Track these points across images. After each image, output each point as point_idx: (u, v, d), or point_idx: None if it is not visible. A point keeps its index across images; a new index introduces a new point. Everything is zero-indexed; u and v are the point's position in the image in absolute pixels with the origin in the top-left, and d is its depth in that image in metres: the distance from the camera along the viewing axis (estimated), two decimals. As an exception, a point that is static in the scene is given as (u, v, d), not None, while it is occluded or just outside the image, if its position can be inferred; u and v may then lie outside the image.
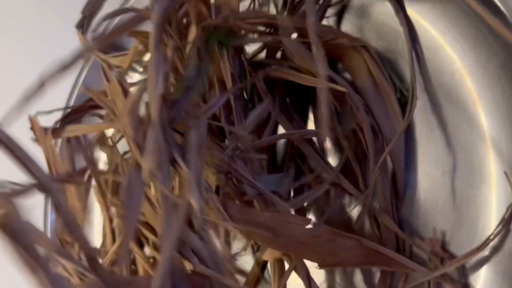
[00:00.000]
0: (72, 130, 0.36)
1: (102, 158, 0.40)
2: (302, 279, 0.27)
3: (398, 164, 0.28)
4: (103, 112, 0.38)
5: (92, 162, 0.37)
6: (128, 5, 0.39)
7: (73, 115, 0.38)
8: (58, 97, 0.41)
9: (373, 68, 0.29)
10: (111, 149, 0.36)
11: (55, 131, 0.36)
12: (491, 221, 0.25)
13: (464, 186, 0.27)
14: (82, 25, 0.37)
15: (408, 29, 0.28)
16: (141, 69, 0.40)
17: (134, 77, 0.41)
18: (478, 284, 0.25)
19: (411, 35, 0.28)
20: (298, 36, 0.30)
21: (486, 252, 0.25)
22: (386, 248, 0.26)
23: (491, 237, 0.24)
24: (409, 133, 0.28)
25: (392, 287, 0.27)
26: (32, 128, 0.36)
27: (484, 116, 0.26)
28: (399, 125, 0.28)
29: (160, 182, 0.22)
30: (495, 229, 0.24)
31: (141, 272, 0.35)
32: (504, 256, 0.25)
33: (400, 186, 0.28)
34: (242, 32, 0.30)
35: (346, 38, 0.29)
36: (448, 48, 0.27)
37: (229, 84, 0.28)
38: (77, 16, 0.37)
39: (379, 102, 0.29)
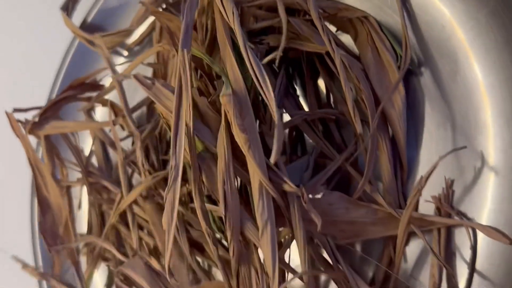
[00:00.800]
0: (57, 126, 0.34)
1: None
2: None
3: (401, 133, 0.28)
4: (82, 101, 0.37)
5: (77, 151, 0.36)
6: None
7: (49, 110, 0.36)
8: (41, 89, 0.39)
9: (375, 38, 0.29)
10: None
11: (34, 126, 0.35)
12: (489, 169, 0.26)
13: (461, 136, 0.27)
14: (67, 7, 0.36)
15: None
16: (126, 53, 0.39)
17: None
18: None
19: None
20: (303, 14, 0.30)
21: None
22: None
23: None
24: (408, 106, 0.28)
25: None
26: (10, 124, 0.34)
27: (477, 66, 0.27)
28: (399, 91, 0.28)
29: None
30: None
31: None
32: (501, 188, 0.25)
33: (403, 155, 0.28)
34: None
35: (348, 11, 0.29)
36: (437, 2, 0.27)
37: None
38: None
39: (381, 72, 0.29)
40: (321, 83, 0.33)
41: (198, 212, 0.27)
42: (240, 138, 0.25)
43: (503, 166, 0.25)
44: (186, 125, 0.26)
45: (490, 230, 0.25)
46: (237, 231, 0.26)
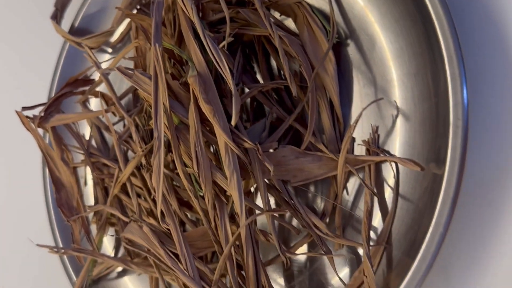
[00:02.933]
0: (60, 119, 0.41)
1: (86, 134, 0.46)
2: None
3: (335, 94, 0.35)
4: (77, 95, 0.44)
5: (79, 137, 0.43)
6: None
7: (52, 105, 0.43)
8: (41, 87, 0.46)
9: (309, 19, 0.36)
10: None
11: (41, 121, 0.42)
12: (401, 116, 0.33)
13: (381, 92, 0.34)
14: (56, 16, 0.42)
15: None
16: (110, 50, 0.46)
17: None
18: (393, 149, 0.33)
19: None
20: (252, 5, 0.37)
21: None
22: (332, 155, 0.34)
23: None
24: (340, 72, 0.35)
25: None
26: (21, 121, 0.41)
27: (386, 36, 0.34)
28: (329, 59, 0.35)
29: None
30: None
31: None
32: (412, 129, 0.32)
33: (338, 110, 0.35)
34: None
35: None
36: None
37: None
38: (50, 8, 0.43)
39: (315, 45, 0.36)
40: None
41: (180, 171, 0.34)
42: (206, 109, 0.32)
43: (409, 112, 0.32)
44: (163, 104, 0.33)
45: (407, 161, 0.32)
46: (209, 182, 0.33)
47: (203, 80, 0.33)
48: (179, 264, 0.34)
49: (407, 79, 0.33)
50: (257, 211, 0.33)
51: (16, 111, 0.41)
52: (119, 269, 0.46)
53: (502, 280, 0.31)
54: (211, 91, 0.33)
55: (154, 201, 0.41)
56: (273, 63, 0.39)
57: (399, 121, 0.33)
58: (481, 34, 0.32)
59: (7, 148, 0.55)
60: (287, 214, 0.38)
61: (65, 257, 0.45)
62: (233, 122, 0.31)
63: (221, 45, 0.34)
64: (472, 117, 0.31)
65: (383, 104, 0.34)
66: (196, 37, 0.34)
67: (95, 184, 0.44)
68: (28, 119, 0.41)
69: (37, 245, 0.40)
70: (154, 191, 0.39)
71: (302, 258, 0.37)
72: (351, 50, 0.35)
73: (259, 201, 0.35)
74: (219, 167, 0.33)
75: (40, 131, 0.43)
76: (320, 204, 0.36)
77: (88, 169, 0.46)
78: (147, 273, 0.41)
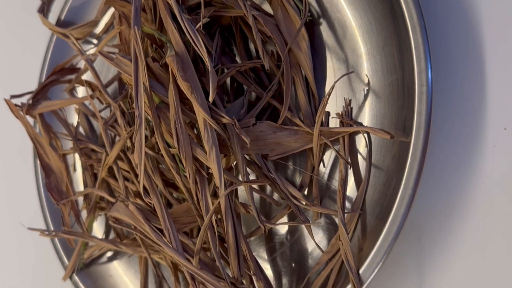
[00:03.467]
0: (47, 105, 0.43)
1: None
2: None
3: (309, 70, 0.36)
4: (64, 83, 0.46)
5: (67, 124, 0.44)
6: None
7: (39, 93, 0.45)
8: (31, 74, 0.48)
9: (283, 0, 0.37)
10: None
11: (29, 108, 0.43)
12: (370, 89, 0.34)
13: (351, 67, 0.35)
14: (43, 10, 0.44)
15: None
16: (95, 41, 0.47)
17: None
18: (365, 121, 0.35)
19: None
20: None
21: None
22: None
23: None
24: (314, 50, 0.37)
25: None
26: (10, 109, 0.42)
27: (353, 13, 0.35)
28: (302, 36, 0.36)
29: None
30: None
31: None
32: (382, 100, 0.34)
33: (313, 86, 0.36)
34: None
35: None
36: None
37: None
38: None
39: (289, 24, 0.37)
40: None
41: (161, 148, 0.35)
42: (184, 86, 0.34)
43: (378, 84, 0.34)
44: (144, 83, 0.34)
45: (377, 131, 0.33)
46: (190, 157, 0.34)
47: (181, 60, 0.35)
48: (163, 237, 0.35)
49: (376, 52, 0.34)
50: (236, 183, 0.35)
51: (5, 99, 0.42)
52: (109, 254, 0.47)
53: (470, 235, 0.32)
54: (189, 70, 0.34)
55: (141, 183, 0.43)
56: (252, 46, 0.41)
57: (370, 93, 0.34)
58: (443, 4, 0.34)
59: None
60: (268, 189, 0.39)
61: (56, 241, 0.47)
62: (210, 98, 0.33)
63: (197, 25, 0.35)
64: (437, 84, 0.32)
65: (355, 78, 0.35)
66: (174, 20, 0.36)
67: (84, 170, 0.45)
68: (17, 107, 0.42)
69: (29, 228, 0.42)
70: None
71: (283, 230, 0.38)
72: (324, 28, 0.37)
73: (240, 178, 0.36)
74: (200, 144, 0.35)
75: (30, 119, 0.44)
76: (298, 178, 0.38)
77: (77, 157, 0.47)
78: (136, 253, 0.43)
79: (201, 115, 0.34)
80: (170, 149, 0.36)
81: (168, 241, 0.34)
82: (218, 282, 0.33)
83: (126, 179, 0.44)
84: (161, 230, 0.36)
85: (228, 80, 0.41)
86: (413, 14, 0.31)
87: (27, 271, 0.53)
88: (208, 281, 0.33)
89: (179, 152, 0.34)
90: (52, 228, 0.48)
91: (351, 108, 0.35)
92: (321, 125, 0.35)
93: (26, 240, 0.51)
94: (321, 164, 0.36)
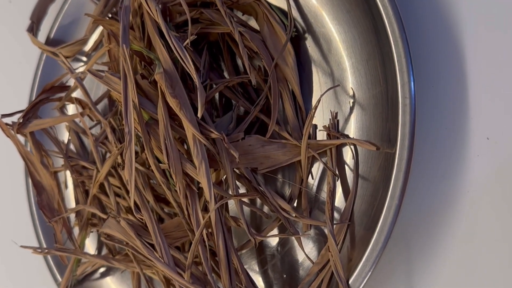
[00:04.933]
0: (37, 124, 0.43)
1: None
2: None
3: (295, 84, 0.37)
4: (54, 101, 0.46)
5: (58, 142, 0.45)
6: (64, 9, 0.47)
7: (29, 112, 0.45)
8: (22, 92, 0.48)
9: (268, 16, 0.38)
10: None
11: (19, 127, 0.44)
12: (356, 103, 0.35)
13: (337, 81, 0.36)
14: (32, 29, 0.44)
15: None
16: (85, 59, 0.48)
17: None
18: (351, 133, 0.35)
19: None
20: (214, 6, 0.39)
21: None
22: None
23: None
24: (300, 64, 0.38)
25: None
26: (1, 128, 0.43)
27: (337, 28, 0.36)
28: (288, 51, 0.37)
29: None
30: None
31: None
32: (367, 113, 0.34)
33: (300, 100, 0.37)
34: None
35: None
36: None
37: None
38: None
39: (275, 39, 0.38)
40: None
41: (151, 164, 0.36)
42: (172, 103, 0.34)
43: (363, 97, 0.34)
44: (133, 100, 0.35)
45: (364, 142, 0.34)
46: (180, 172, 0.34)
47: (169, 76, 0.35)
48: (154, 252, 0.35)
49: (361, 65, 0.35)
50: (226, 197, 0.35)
51: (-5, 120, 0.43)
52: (102, 269, 0.48)
53: (456, 242, 0.33)
54: (177, 86, 0.35)
55: (132, 199, 0.43)
56: (239, 61, 0.41)
57: (355, 106, 0.35)
58: (425, 18, 0.35)
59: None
60: (258, 202, 0.39)
61: (49, 258, 0.47)
62: (199, 114, 0.33)
63: (185, 42, 0.36)
64: (420, 96, 0.33)
65: (340, 91, 0.36)
66: (162, 37, 0.37)
67: (75, 187, 0.46)
68: (8, 126, 0.43)
69: (21, 246, 0.42)
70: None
71: (273, 243, 0.39)
72: (309, 43, 0.37)
73: (230, 192, 0.37)
74: (190, 159, 0.35)
75: (21, 137, 0.44)
76: (288, 191, 0.38)
77: (68, 174, 0.47)
78: (129, 268, 0.43)
79: (190, 130, 0.34)
80: (160, 164, 0.37)
81: (159, 256, 0.35)
82: (210, 296, 0.33)
83: (117, 195, 0.44)
84: (152, 246, 0.36)
85: (217, 95, 0.42)
86: (395, 28, 0.32)
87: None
88: (200, 295, 0.33)
89: (169, 168, 0.34)
90: (44, 245, 0.48)
91: (338, 121, 0.36)
92: (309, 138, 0.35)
93: (19, 258, 0.51)
94: (310, 176, 0.37)
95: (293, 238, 0.38)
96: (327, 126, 0.36)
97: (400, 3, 0.32)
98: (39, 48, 0.47)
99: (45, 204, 0.43)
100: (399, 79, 0.31)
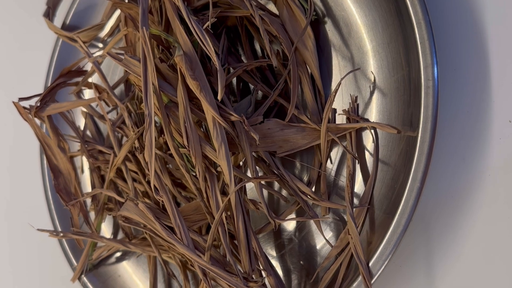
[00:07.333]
0: (55, 108, 0.43)
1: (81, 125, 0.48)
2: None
3: (315, 68, 0.37)
4: (71, 86, 0.46)
5: (74, 126, 0.45)
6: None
7: (47, 95, 0.45)
8: (37, 77, 0.48)
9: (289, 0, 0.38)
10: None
11: (37, 110, 0.44)
12: (376, 87, 0.35)
13: (357, 64, 0.36)
14: (48, 14, 0.44)
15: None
16: (101, 45, 0.48)
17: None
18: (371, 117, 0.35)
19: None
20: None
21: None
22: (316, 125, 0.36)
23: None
24: (320, 48, 0.37)
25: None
26: (18, 112, 0.43)
27: (358, 11, 0.36)
28: (308, 35, 0.37)
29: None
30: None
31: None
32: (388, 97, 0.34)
33: (319, 84, 0.37)
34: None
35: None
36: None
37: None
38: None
39: (294, 23, 0.38)
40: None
41: (170, 147, 0.36)
42: (192, 85, 0.34)
43: (384, 81, 0.34)
44: (153, 83, 0.35)
45: (384, 125, 0.34)
46: (199, 155, 0.34)
47: (189, 59, 0.35)
48: (173, 235, 0.35)
49: (382, 49, 0.35)
50: (245, 179, 0.35)
51: (13, 102, 0.43)
52: (118, 254, 0.48)
53: (477, 226, 0.33)
54: (197, 69, 0.35)
55: (149, 183, 0.43)
56: (257, 46, 0.41)
57: (376, 90, 0.35)
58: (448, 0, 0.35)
59: (6, 139, 0.56)
60: (276, 187, 0.39)
61: (65, 242, 0.47)
62: (219, 96, 0.33)
63: (205, 25, 0.36)
64: (442, 79, 0.33)
65: (361, 75, 0.36)
66: (181, 21, 0.37)
67: (92, 172, 0.46)
68: (25, 110, 0.43)
69: (38, 229, 0.42)
70: (148, 171, 0.41)
71: (291, 227, 0.39)
72: (329, 26, 0.37)
73: (249, 175, 0.37)
74: (209, 143, 0.35)
75: (38, 121, 0.45)
76: (306, 175, 0.38)
77: (84, 159, 0.48)
78: (145, 252, 0.43)
79: (210, 113, 0.34)
80: (179, 149, 0.37)
81: (179, 238, 0.35)
82: (230, 277, 0.33)
83: (133, 179, 0.44)
84: (171, 228, 0.36)
85: (234, 81, 0.42)
86: (418, 10, 0.31)
87: (34, 273, 0.53)
88: (221, 276, 0.33)
89: (189, 150, 0.34)
90: (59, 229, 0.49)
91: (358, 105, 0.36)
92: (328, 121, 0.35)
93: (33, 241, 0.51)
94: (328, 160, 0.37)
95: (311, 222, 0.38)
96: (346, 110, 0.36)
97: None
98: (55, 33, 0.47)
99: (62, 188, 0.43)
100: (422, 61, 0.31)
